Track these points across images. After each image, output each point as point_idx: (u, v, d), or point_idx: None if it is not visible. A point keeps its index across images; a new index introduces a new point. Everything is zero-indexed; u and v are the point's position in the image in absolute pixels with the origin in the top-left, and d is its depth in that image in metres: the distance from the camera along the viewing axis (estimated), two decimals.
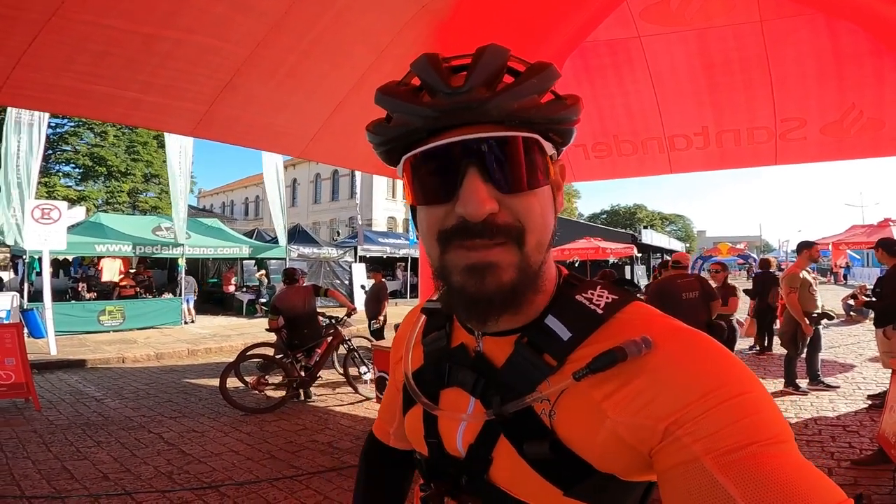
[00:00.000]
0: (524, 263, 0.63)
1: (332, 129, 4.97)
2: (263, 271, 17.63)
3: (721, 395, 0.54)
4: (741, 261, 34.97)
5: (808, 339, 6.31)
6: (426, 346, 0.82)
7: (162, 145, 21.45)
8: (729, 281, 7.66)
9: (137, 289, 14.61)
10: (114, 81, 3.68)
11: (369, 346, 7.22)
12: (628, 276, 20.86)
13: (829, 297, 13.19)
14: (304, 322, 6.51)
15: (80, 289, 14.52)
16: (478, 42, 0.63)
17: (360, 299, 11.54)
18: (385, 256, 20.80)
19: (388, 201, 36.39)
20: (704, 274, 16.25)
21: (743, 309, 9.20)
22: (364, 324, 9.85)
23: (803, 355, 6.46)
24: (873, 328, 5.64)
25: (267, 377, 6.54)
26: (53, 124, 26.83)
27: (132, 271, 15.90)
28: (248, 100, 4.36)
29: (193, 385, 7.67)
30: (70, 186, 29.53)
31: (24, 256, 11.49)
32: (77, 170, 30.18)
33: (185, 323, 14.03)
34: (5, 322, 9.65)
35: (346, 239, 22.37)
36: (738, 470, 0.50)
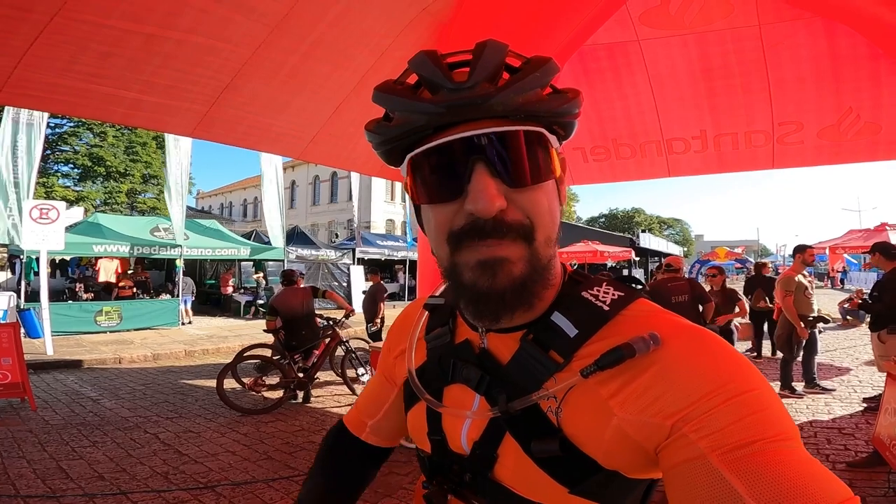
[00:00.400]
0: (534, 259, 0.63)
1: (332, 131, 4.99)
2: (261, 273, 17.61)
3: (727, 392, 0.54)
4: (738, 265, 35.04)
5: (804, 342, 6.32)
6: (429, 343, 0.81)
7: (161, 146, 21.47)
8: (727, 285, 7.68)
9: (135, 290, 14.59)
10: (116, 82, 3.68)
11: (367, 348, 7.22)
12: None
13: (826, 302, 13.22)
14: (301, 323, 6.51)
15: (77, 289, 14.50)
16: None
17: (358, 301, 11.55)
18: (383, 259, 20.79)
19: (386, 203, 36.41)
20: (701, 278, 16.29)
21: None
22: (362, 325, 9.84)
23: (799, 358, 6.49)
24: (869, 332, 5.67)
25: (264, 378, 6.53)
26: (53, 124, 26.87)
27: (130, 272, 15.88)
28: (249, 101, 4.37)
29: (190, 386, 7.65)
30: (68, 187, 29.52)
31: (21, 256, 11.47)
32: (76, 170, 30.17)
33: (183, 324, 14.00)
34: (2, 322, 9.63)
35: (345, 241, 22.37)
36: (744, 466, 0.50)
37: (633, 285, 0.73)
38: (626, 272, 25.24)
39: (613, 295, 0.68)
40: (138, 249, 13.42)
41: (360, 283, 17.44)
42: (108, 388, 7.41)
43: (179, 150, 13.20)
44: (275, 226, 16.42)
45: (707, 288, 6.75)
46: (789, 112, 4.89)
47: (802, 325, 6.19)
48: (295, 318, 6.47)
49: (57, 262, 18.40)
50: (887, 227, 16.90)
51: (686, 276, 6.30)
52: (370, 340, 8.23)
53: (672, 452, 0.56)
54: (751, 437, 0.51)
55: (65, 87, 3.61)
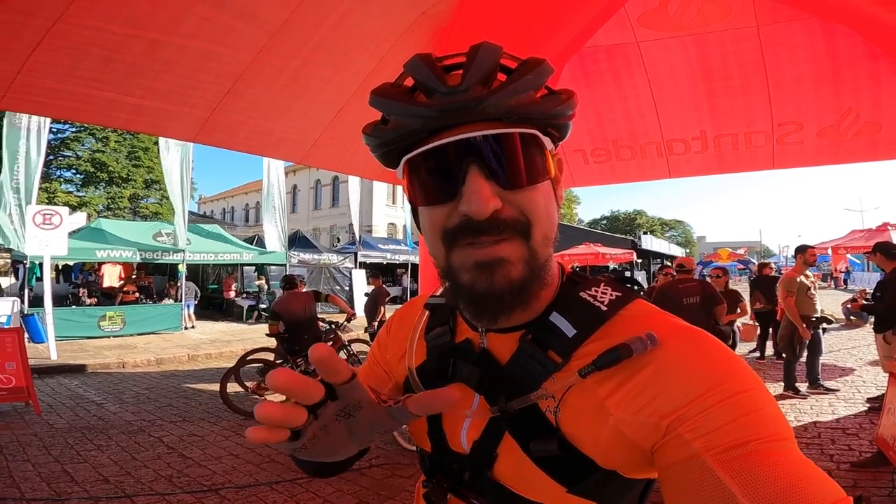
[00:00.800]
0: (531, 258, 0.64)
1: (333, 135, 5.00)
2: (263, 278, 17.64)
3: (722, 392, 0.55)
4: (741, 266, 34.97)
5: (807, 342, 6.32)
6: (429, 342, 0.81)
7: None
8: (730, 286, 7.67)
9: (139, 294, 14.64)
10: (117, 87, 3.70)
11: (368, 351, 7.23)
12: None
13: (829, 302, 13.20)
14: (304, 327, 6.52)
15: (80, 294, 14.55)
16: None
17: (360, 305, 11.56)
18: (385, 262, 20.80)
19: (388, 207, 36.42)
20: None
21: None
22: (363, 328, 9.86)
23: (802, 359, 6.47)
24: (873, 332, 5.66)
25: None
26: (55, 129, 26.94)
27: (133, 277, 15.93)
28: (250, 106, 4.38)
29: (194, 390, 7.67)
30: (71, 192, 29.59)
31: (24, 262, 11.51)
32: (78, 175, 30.24)
33: (186, 328, 14.04)
34: (6, 327, 9.66)
35: (346, 245, 22.40)
36: (739, 467, 0.50)
37: (631, 286, 0.74)
38: (628, 274, 25.23)
39: (611, 295, 0.69)
40: (141, 254, 13.45)
41: (361, 286, 17.46)
42: (111, 393, 7.43)
43: (169, 155, 13.21)
44: (270, 230, 16.42)
45: None
46: (789, 112, 4.90)
47: (805, 325, 6.18)
48: (297, 323, 6.48)
49: (60, 267, 18.45)
50: (889, 227, 16.87)
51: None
52: (372, 343, 8.24)
53: (667, 452, 0.56)
54: (745, 438, 0.52)
55: (67, 93, 3.63)
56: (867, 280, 26.67)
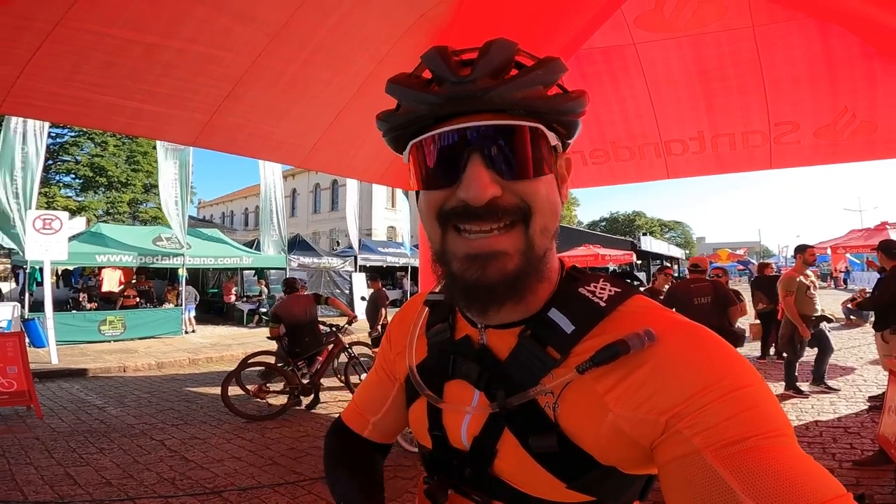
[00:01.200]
0: (529, 249, 0.64)
1: (332, 139, 5.01)
2: (263, 281, 17.65)
3: (721, 388, 0.55)
4: (741, 266, 34.99)
5: (806, 341, 6.31)
6: (430, 339, 0.82)
7: None
8: (730, 287, 7.67)
9: (139, 299, 14.64)
10: (117, 91, 3.71)
11: (370, 354, 7.24)
12: None
13: (829, 302, 13.21)
14: (305, 330, 6.53)
15: (80, 299, 14.55)
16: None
17: (360, 308, 11.54)
18: (385, 266, 20.80)
19: (387, 211, 36.44)
20: None
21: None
22: (364, 332, 9.86)
23: (804, 358, 6.48)
24: (873, 331, 5.66)
25: (268, 385, 6.55)
26: (53, 134, 26.93)
27: (133, 281, 15.93)
28: (250, 109, 4.39)
29: (195, 393, 7.67)
30: (70, 197, 29.58)
31: (24, 266, 11.52)
32: (77, 180, 30.22)
33: (186, 333, 14.03)
34: (7, 331, 9.67)
35: (346, 248, 22.41)
36: (738, 462, 0.50)
37: (631, 282, 0.74)
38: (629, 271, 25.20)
39: (610, 291, 0.69)
40: (141, 259, 13.46)
41: (361, 290, 17.46)
42: (113, 396, 7.43)
43: (167, 160, 13.25)
44: (265, 232, 16.43)
45: None
46: (785, 112, 4.91)
47: (804, 325, 6.19)
48: (298, 326, 6.49)
49: (60, 272, 18.46)
50: (888, 226, 16.89)
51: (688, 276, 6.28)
52: (373, 346, 8.25)
53: (667, 448, 0.57)
54: (745, 434, 0.52)
55: (67, 97, 3.64)
56: (867, 279, 26.63)
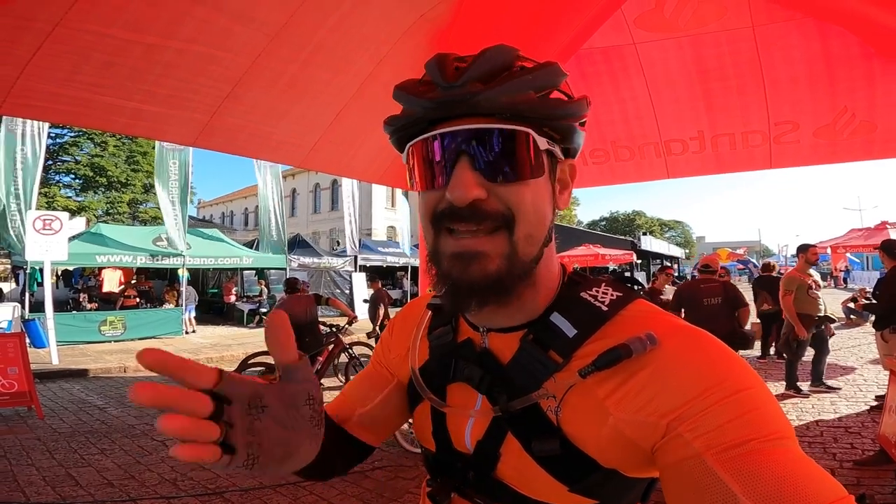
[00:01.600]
0: (512, 254, 0.64)
1: (332, 139, 5.01)
2: (263, 282, 17.66)
3: (722, 391, 0.55)
4: (741, 266, 35.01)
5: (805, 342, 6.30)
6: (432, 342, 0.82)
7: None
8: None
9: (139, 299, 14.65)
10: (117, 91, 3.71)
11: (370, 354, 7.24)
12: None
13: (829, 301, 13.13)
14: (305, 331, 6.53)
15: (81, 299, 14.56)
16: (475, 51, 0.66)
17: (359, 308, 11.56)
18: (385, 266, 20.81)
19: (387, 210, 36.45)
20: None
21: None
22: (365, 332, 9.87)
23: (805, 357, 6.48)
24: (873, 331, 5.66)
25: None
26: (53, 134, 26.94)
27: (133, 281, 15.93)
28: (250, 109, 4.39)
29: None
30: (70, 197, 29.58)
31: (24, 267, 11.53)
32: (77, 180, 30.23)
33: (186, 333, 14.04)
34: (7, 332, 9.67)
35: (342, 251, 22.45)
36: (739, 465, 0.51)
37: (632, 286, 0.75)
38: (628, 275, 25.22)
39: (612, 295, 0.70)
40: (141, 259, 13.47)
41: (362, 290, 17.47)
42: (114, 397, 7.44)
43: (164, 162, 13.27)
44: (264, 232, 16.45)
45: None
46: (785, 112, 4.91)
47: (805, 324, 6.18)
48: (298, 325, 6.48)
49: (60, 272, 18.46)
50: (888, 226, 16.91)
51: (690, 277, 6.28)
52: (373, 346, 8.26)
53: (668, 452, 0.57)
54: (745, 437, 0.52)
55: (67, 97, 3.64)
56: (867, 279, 26.66)
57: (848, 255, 25.03)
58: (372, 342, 8.72)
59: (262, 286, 17.57)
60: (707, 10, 4.42)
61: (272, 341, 0.55)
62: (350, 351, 6.85)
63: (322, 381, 6.74)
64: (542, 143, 0.66)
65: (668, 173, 5.96)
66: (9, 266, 16.66)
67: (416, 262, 18.83)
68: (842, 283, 31.02)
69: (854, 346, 10.07)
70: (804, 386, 6.45)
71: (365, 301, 10.85)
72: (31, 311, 11.55)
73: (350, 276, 18.54)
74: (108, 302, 14.77)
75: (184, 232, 13.73)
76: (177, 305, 14.38)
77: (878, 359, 6.57)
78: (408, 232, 20.62)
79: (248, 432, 0.53)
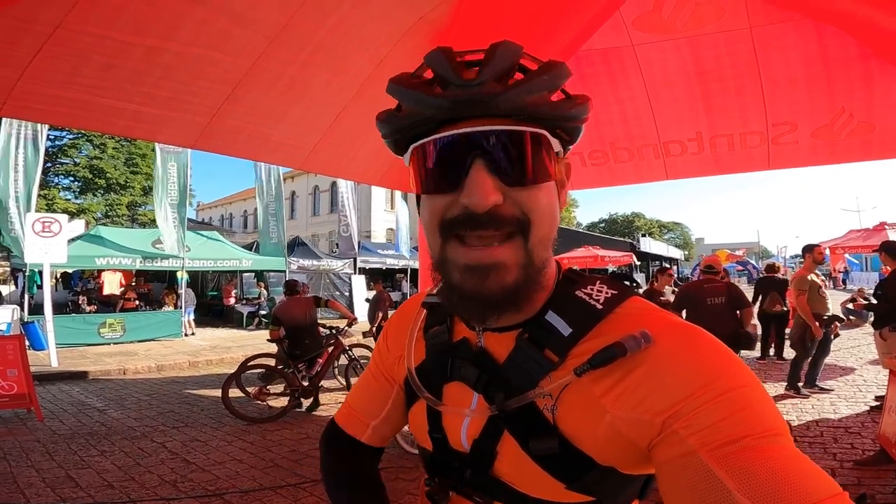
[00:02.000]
0: (528, 261, 0.64)
1: (331, 140, 5.03)
2: (262, 284, 17.64)
3: (717, 388, 0.55)
4: (740, 267, 35.02)
5: (818, 341, 6.29)
6: (428, 341, 0.82)
7: None
8: None
9: (139, 301, 14.64)
10: (117, 93, 3.72)
11: (370, 356, 7.24)
12: None
13: (829, 302, 13.19)
14: (305, 333, 6.53)
15: (80, 301, 14.55)
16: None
17: (359, 310, 11.57)
18: (384, 268, 20.79)
19: (386, 213, 36.43)
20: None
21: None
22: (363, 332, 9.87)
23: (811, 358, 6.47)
24: (873, 331, 5.67)
25: (269, 387, 6.55)
26: (52, 136, 26.92)
27: (132, 284, 15.92)
28: (249, 111, 4.40)
29: (195, 396, 7.66)
30: (69, 199, 29.54)
31: (24, 269, 11.52)
32: (76, 182, 30.19)
33: (186, 335, 14.03)
34: (7, 334, 9.66)
35: (346, 250, 22.43)
36: (733, 462, 0.51)
37: (626, 284, 0.74)
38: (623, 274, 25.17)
39: (607, 293, 0.69)
40: (140, 262, 13.46)
41: (361, 292, 17.46)
42: (113, 399, 7.43)
43: (165, 165, 13.28)
44: (265, 233, 16.49)
45: None
46: (783, 113, 4.93)
47: (817, 323, 6.16)
48: (298, 328, 6.49)
49: (59, 275, 18.44)
50: (886, 227, 16.93)
51: (690, 277, 6.28)
52: (371, 346, 8.26)
53: (663, 449, 0.57)
54: (739, 434, 0.52)
55: (67, 100, 3.65)
56: (866, 279, 26.70)
57: (846, 255, 25.03)
58: (369, 342, 8.73)
59: (262, 288, 17.55)
60: (705, 12, 4.44)
61: None
62: (350, 353, 6.85)
63: (322, 382, 6.74)
64: (556, 144, 0.66)
65: (666, 174, 5.98)
66: (8, 268, 16.65)
67: (415, 264, 18.82)
68: (840, 284, 31.03)
69: (854, 346, 10.06)
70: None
71: (367, 301, 10.87)
72: (30, 313, 11.54)
73: (349, 279, 18.54)
74: (107, 304, 14.75)
75: (183, 235, 13.71)
76: (175, 308, 14.37)
77: (877, 359, 6.57)
78: (406, 234, 20.61)
79: None
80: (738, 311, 5.48)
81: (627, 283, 0.74)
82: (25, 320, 11.14)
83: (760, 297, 8.82)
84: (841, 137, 4.85)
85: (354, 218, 18.67)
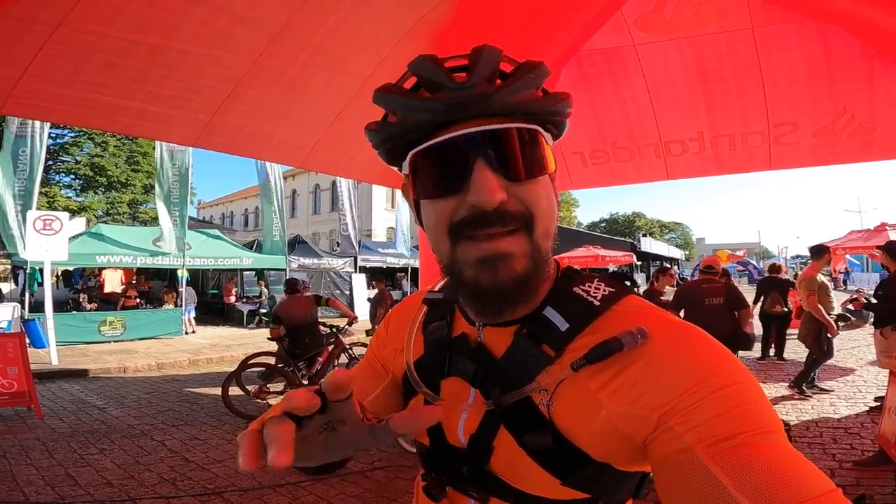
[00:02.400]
0: (535, 251, 0.65)
1: (332, 139, 5.03)
2: (263, 282, 17.65)
3: (712, 385, 0.56)
4: (741, 268, 35.00)
5: (833, 340, 6.28)
6: (427, 336, 0.82)
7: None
8: None
9: (140, 299, 14.65)
10: (120, 92, 3.72)
11: None
12: None
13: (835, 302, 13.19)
14: (305, 331, 6.53)
15: (80, 299, 14.56)
16: None
17: (360, 309, 11.58)
18: (385, 266, 20.80)
19: (387, 212, 36.41)
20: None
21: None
22: (364, 331, 9.88)
23: (795, 357, 6.47)
24: (872, 330, 5.66)
25: (269, 386, 6.55)
26: (53, 134, 26.89)
27: (133, 282, 15.93)
28: (251, 109, 4.41)
29: (195, 394, 7.67)
30: (70, 197, 29.55)
31: (24, 267, 11.53)
32: (77, 180, 30.19)
33: (186, 333, 14.03)
34: (7, 332, 9.67)
35: (347, 249, 22.44)
36: (728, 458, 0.51)
37: (624, 282, 0.75)
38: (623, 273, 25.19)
39: (604, 291, 0.70)
40: (141, 260, 13.46)
41: (362, 291, 17.46)
42: (113, 397, 7.44)
43: (167, 163, 13.28)
44: (267, 233, 16.48)
45: None
46: (784, 113, 4.93)
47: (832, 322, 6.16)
48: (298, 327, 6.49)
49: (60, 273, 18.46)
50: (887, 227, 16.91)
51: (691, 278, 6.28)
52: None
53: (659, 445, 0.58)
54: (735, 430, 0.53)
55: (69, 98, 3.65)
56: (866, 280, 26.69)
57: (847, 256, 25.01)
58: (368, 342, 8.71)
59: (262, 287, 17.56)
60: (707, 12, 4.44)
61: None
62: (350, 351, 6.85)
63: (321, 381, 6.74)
64: (549, 139, 0.68)
65: (667, 174, 5.97)
66: (9, 266, 16.65)
67: (415, 262, 18.81)
68: (841, 284, 31.02)
69: (853, 347, 10.05)
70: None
71: (369, 300, 10.88)
72: (30, 311, 11.55)
73: (350, 277, 18.53)
74: (108, 302, 14.76)
75: (183, 233, 13.72)
76: (176, 306, 14.38)
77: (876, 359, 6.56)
78: (406, 232, 20.61)
79: (301, 440, 0.55)
80: (736, 312, 5.48)
81: (625, 282, 0.74)
82: (26, 318, 11.15)
83: (762, 298, 8.81)
84: (842, 138, 4.85)
85: (355, 217, 18.66)
